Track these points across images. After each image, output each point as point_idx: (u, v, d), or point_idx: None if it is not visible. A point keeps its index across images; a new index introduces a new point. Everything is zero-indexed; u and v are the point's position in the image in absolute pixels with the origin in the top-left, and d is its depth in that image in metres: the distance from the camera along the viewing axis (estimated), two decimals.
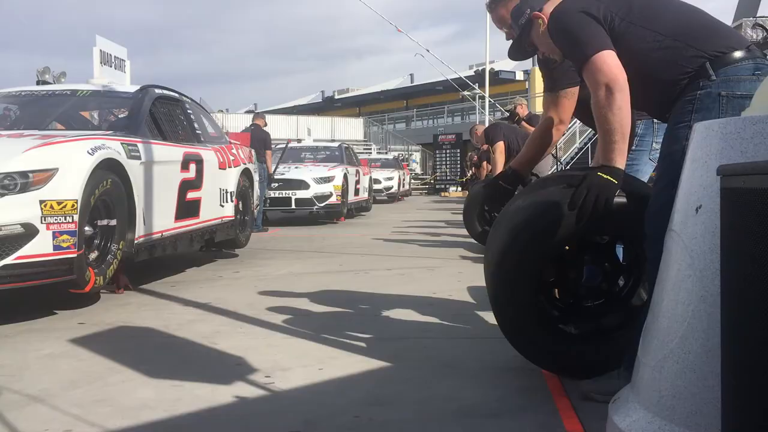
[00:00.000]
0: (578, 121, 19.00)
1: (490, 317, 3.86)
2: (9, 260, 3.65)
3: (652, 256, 2.19)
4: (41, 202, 3.73)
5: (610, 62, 2.26)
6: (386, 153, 28.97)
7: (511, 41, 2.91)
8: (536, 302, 2.61)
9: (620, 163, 2.31)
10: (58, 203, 3.77)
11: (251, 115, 11.96)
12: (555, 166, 7.55)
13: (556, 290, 2.77)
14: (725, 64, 2.20)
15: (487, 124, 8.05)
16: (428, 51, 22.15)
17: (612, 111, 2.25)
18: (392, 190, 21.44)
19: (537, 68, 29.24)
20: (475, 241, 7.56)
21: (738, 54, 2.22)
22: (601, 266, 2.71)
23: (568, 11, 2.39)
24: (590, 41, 2.30)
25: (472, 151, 17.46)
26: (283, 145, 13.00)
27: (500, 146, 7.01)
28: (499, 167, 7.02)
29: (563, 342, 2.64)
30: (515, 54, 2.79)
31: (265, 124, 10.69)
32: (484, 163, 12.87)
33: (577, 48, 2.35)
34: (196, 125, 6.30)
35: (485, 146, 7.60)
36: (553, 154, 7.96)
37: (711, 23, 2.34)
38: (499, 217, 2.78)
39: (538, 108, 17.90)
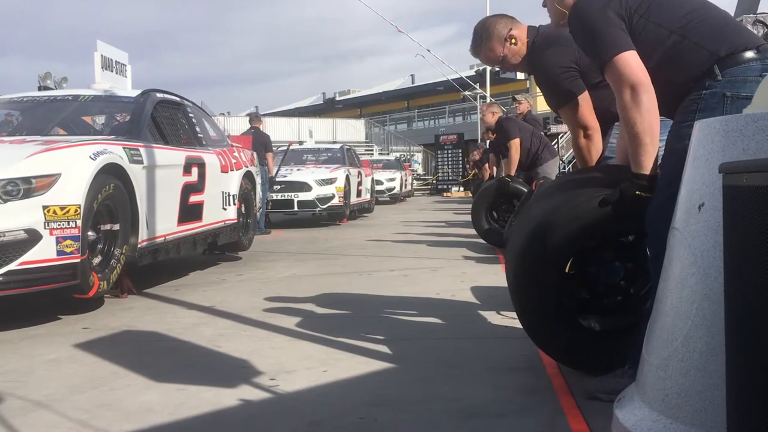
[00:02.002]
0: None
1: (493, 317, 3.87)
2: (13, 266, 3.66)
3: (653, 253, 2.19)
4: (44, 207, 3.73)
5: (633, 63, 2.26)
6: (388, 154, 29.00)
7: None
8: (559, 298, 2.61)
9: (651, 167, 2.29)
10: (61, 208, 3.78)
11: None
12: (559, 166, 7.55)
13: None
14: (733, 64, 2.20)
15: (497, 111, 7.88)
16: (429, 51, 22.19)
17: (640, 113, 2.24)
18: (394, 191, 21.44)
19: None
20: (479, 241, 7.56)
21: (748, 54, 2.21)
22: (624, 265, 2.70)
23: (590, 7, 2.37)
24: (613, 41, 2.29)
25: (475, 150, 17.47)
26: (285, 148, 13.01)
27: (516, 143, 6.96)
28: (515, 164, 7.00)
29: (584, 336, 2.65)
30: None
31: (263, 126, 10.73)
32: (486, 165, 12.88)
33: (600, 48, 2.33)
34: (197, 129, 6.31)
35: (492, 135, 7.54)
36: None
37: (724, 22, 2.32)
38: (524, 211, 2.78)
39: (541, 107, 17.91)
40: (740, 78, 2.18)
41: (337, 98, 53.04)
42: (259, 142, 10.02)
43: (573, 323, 2.64)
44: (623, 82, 2.25)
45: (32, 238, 3.70)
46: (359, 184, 13.27)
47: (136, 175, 4.54)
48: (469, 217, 7.90)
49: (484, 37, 2.96)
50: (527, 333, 2.76)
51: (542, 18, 2.82)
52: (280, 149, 13.15)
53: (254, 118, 11.05)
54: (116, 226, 4.34)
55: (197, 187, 5.64)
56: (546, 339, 2.69)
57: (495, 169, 8.49)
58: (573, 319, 2.65)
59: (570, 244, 2.53)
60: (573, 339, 2.63)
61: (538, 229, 2.57)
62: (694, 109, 2.21)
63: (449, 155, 29.54)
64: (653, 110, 2.25)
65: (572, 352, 2.65)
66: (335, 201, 11.52)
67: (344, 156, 13.26)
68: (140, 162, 4.68)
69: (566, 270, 2.65)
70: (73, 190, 3.86)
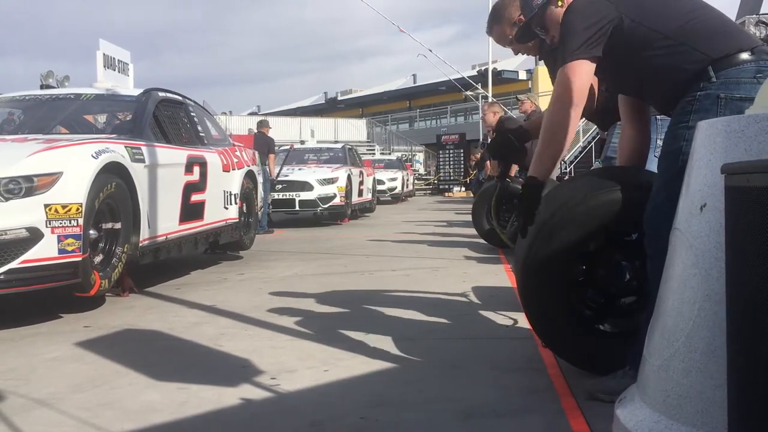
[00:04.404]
0: (581, 121, 19.00)
1: (495, 318, 3.87)
2: (14, 264, 3.66)
3: (651, 254, 2.20)
4: (46, 206, 3.74)
5: (582, 75, 2.31)
6: (389, 154, 28.95)
7: (517, 52, 2.95)
8: (566, 300, 2.62)
9: (534, 170, 2.42)
10: (63, 207, 3.78)
11: (254, 117, 12.12)
12: (560, 166, 7.54)
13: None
14: (727, 66, 2.21)
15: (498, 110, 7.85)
16: (431, 51, 22.19)
17: (551, 122, 2.36)
18: (396, 191, 21.43)
19: (540, 68, 29.19)
20: (480, 241, 7.56)
21: (743, 56, 2.21)
22: (632, 263, 2.70)
23: (580, 7, 2.38)
24: (578, 44, 2.31)
25: (476, 149, 17.46)
26: (287, 148, 13.02)
27: None
28: (513, 167, 6.96)
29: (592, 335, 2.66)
30: (522, 36, 2.80)
31: (269, 132, 10.91)
32: (487, 163, 12.89)
33: (564, 44, 2.37)
34: (199, 128, 6.31)
35: (492, 134, 7.53)
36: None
37: (719, 23, 2.33)
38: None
39: (545, 107, 17.87)
40: (734, 79, 2.19)
41: (339, 98, 53.05)
42: (262, 143, 10.08)
43: (582, 325, 2.64)
44: (559, 89, 2.33)
45: (34, 236, 3.70)
46: (361, 183, 13.27)
47: (138, 173, 4.55)
48: (470, 218, 7.90)
49: (496, 19, 3.07)
50: (538, 335, 2.77)
51: None
52: (282, 148, 13.17)
53: (262, 123, 11.18)
54: (118, 225, 4.35)
55: (199, 186, 5.64)
56: (553, 340, 2.70)
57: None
58: (581, 320, 2.65)
59: (570, 247, 2.53)
60: (581, 340, 2.63)
61: (536, 233, 2.58)
62: (689, 110, 2.22)
63: (451, 155, 29.53)
64: (567, 125, 2.33)
65: (583, 354, 2.65)
66: (337, 200, 11.52)
67: (346, 156, 13.26)
68: (142, 161, 4.69)
69: (575, 274, 2.66)
70: (74, 188, 3.87)
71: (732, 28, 2.36)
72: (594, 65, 2.33)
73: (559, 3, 2.54)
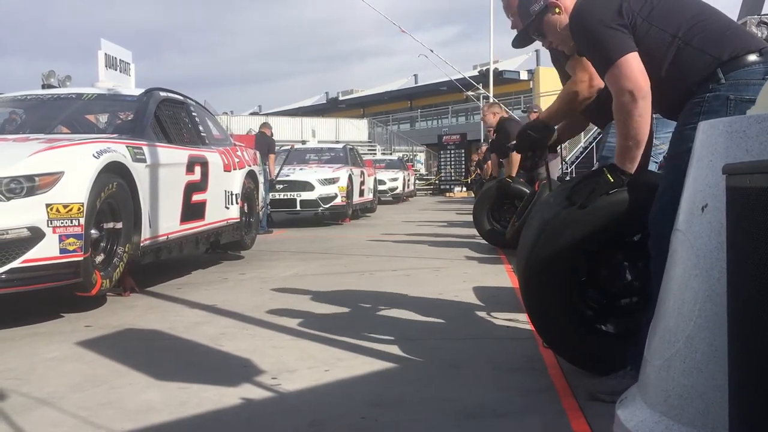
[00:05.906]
0: None
1: (495, 318, 3.86)
2: (16, 264, 3.66)
3: (655, 254, 2.20)
4: (47, 205, 3.74)
5: (634, 67, 2.27)
6: (391, 154, 28.98)
7: (515, 30, 2.89)
8: (568, 300, 2.62)
9: (629, 167, 2.37)
10: (65, 206, 3.78)
11: (255, 118, 12.14)
12: (562, 166, 7.55)
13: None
14: (736, 67, 2.20)
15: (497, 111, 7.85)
16: (432, 51, 22.20)
17: (633, 118, 2.29)
18: (397, 191, 21.43)
19: (541, 68, 29.11)
20: (481, 242, 7.56)
21: (751, 58, 2.21)
22: (635, 264, 2.70)
23: (590, 10, 2.37)
24: (614, 44, 2.29)
25: (477, 149, 17.47)
26: (287, 148, 13.03)
27: None
28: (516, 165, 6.97)
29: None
30: (520, 42, 2.77)
31: (271, 133, 10.91)
32: (488, 163, 12.89)
33: (601, 51, 2.34)
34: (200, 128, 6.31)
35: (493, 134, 7.55)
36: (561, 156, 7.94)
37: (726, 26, 2.33)
38: (533, 210, 2.82)
39: (544, 107, 17.88)
40: (743, 81, 2.19)
41: (340, 98, 52.97)
42: (262, 143, 10.09)
43: (584, 325, 2.64)
44: (623, 87, 2.27)
45: (35, 235, 3.71)
46: (362, 183, 13.28)
47: (139, 173, 4.55)
48: (470, 218, 7.90)
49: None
50: (540, 335, 2.77)
51: None
52: (283, 148, 13.17)
53: (264, 125, 11.22)
54: (119, 225, 4.35)
55: (200, 186, 5.64)
56: (554, 340, 2.70)
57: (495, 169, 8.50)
58: (583, 320, 2.65)
59: (572, 247, 2.53)
60: (583, 340, 2.63)
61: (537, 235, 2.58)
62: (698, 111, 2.22)
63: (452, 155, 29.53)
64: (645, 117, 2.29)
65: (585, 354, 2.65)
66: (338, 200, 11.53)
67: (347, 156, 13.27)
68: (143, 160, 4.69)
69: (577, 274, 2.65)
70: (76, 188, 3.87)
71: (738, 30, 2.36)
72: (636, 52, 2.28)
73: (557, 10, 2.54)
